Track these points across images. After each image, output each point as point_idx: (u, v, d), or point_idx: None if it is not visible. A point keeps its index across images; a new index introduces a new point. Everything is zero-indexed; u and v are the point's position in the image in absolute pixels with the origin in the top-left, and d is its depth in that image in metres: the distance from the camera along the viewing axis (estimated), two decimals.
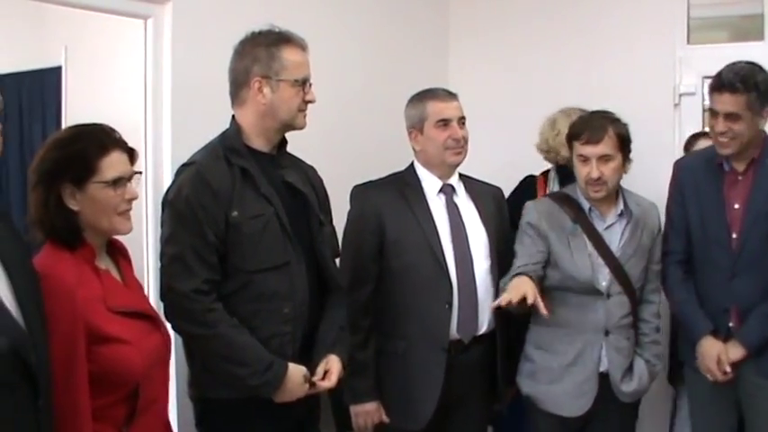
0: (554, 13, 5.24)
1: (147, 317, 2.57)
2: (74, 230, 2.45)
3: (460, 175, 3.65)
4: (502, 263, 3.54)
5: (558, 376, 3.46)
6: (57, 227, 2.42)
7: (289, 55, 2.90)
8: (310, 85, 2.96)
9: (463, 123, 3.54)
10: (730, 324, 3.45)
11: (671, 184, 3.66)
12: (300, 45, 2.95)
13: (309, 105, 2.99)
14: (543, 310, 3.08)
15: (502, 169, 4.50)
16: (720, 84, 3.34)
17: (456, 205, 3.57)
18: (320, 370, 2.95)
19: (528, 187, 4.41)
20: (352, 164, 3.97)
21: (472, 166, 3.69)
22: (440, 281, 3.42)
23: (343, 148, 4.15)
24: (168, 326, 2.76)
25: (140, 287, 2.73)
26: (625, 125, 3.51)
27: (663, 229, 3.65)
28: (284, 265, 2.86)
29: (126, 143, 2.56)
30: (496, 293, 3.45)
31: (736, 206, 3.46)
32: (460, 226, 3.53)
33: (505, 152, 4.79)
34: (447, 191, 3.57)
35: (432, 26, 5.31)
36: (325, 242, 3.06)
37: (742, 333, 3.40)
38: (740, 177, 3.47)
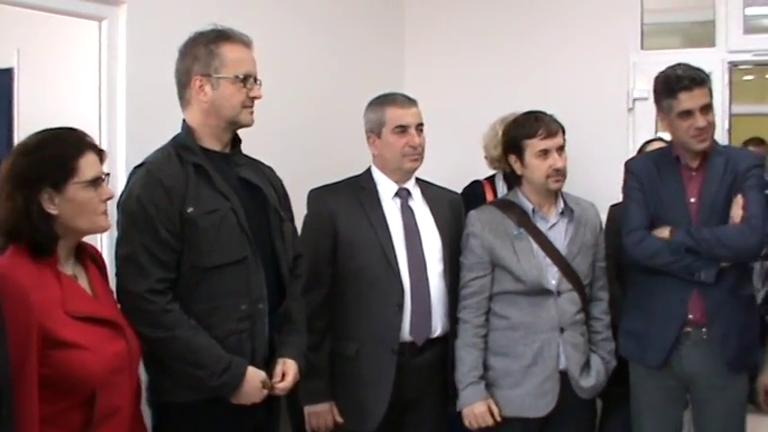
0: (509, 19, 5.28)
1: (111, 323, 2.54)
2: (53, 236, 2.43)
3: (417, 180, 3.67)
4: (456, 267, 3.56)
5: (519, 379, 3.49)
6: (37, 233, 2.39)
7: (228, 52, 2.88)
8: (255, 80, 2.94)
9: (421, 130, 3.56)
10: (690, 316, 3.50)
11: (626, 179, 3.70)
12: (242, 41, 2.94)
13: (268, 108, 2.98)
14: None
15: (458, 173, 4.53)
16: (691, 81, 3.44)
17: (411, 209, 3.59)
18: (278, 371, 2.94)
19: (474, 192, 4.43)
20: (309, 167, 3.96)
21: (428, 170, 3.70)
22: (391, 283, 3.44)
23: (300, 151, 4.14)
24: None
25: (109, 294, 2.69)
26: None
27: (622, 213, 3.70)
28: (241, 260, 2.85)
29: (96, 145, 2.55)
30: (450, 297, 3.54)
31: (692, 200, 3.54)
32: (415, 230, 3.55)
33: (461, 156, 4.81)
34: (403, 195, 3.59)
35: (387, 30, 5.33)
36: (285, 239, 3.05)
37: None
38: (693, 173, 3.56)
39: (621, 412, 3.90)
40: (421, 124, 3.56)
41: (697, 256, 3.45)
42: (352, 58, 4.78)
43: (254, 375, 2.84)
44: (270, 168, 3.19)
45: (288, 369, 2.96)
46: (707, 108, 3.46)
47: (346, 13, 4.80)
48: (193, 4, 3.63)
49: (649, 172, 3.63)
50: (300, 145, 4.15)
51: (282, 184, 3.21)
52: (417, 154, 3.54)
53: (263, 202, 3.01)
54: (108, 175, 2.58)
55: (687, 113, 3.44)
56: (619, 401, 3.94)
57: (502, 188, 4.50)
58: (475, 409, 3.48)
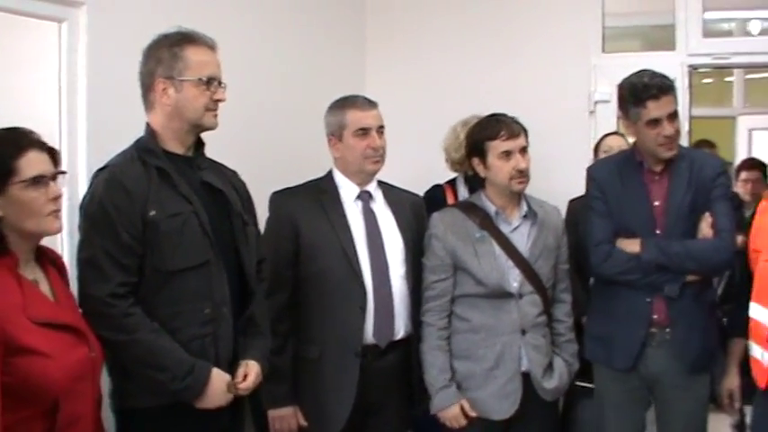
0: (471, 22, 5.30)
1: (74, 330, 2.50)
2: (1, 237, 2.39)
3: (379, 182, 3.67)
4: (418, 269, 3.57)
5: (482, 381, 3.50)
6: None
7: (192, 54, 2.86)
8: (219, 83, 2.92)
9: (382, 132, 3.56)
10: (654, 316, 3.53)
11: (588, 186, 3.72)
12: (206, 44, 2.91)
13: (229, 111, 2.97)
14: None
15: (420, 175, 4.54)
16: (658, 89, 3.44)
17: (373, 212, 3.59)
18: (239, 373, 2.93)
19: (435, 197, 4.45)
20: (270, 170, 3.95)
21: (390, 172, 3.70)
22: (353, 286, 3.43)
23: (262, 154, 4.12)
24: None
25: (71, 299, 2.65)
26: None
27: (587, 223, 3.70)
28: (203, 264, 2.83)
29: (44, 143, 2.50)
30: (412, 299, 3.54)
31: (657, 203, 3.56)
32: (377, 232, 3.55)
33: (423, 158, 4.82)
34: (364, 197, 3.59)
35: (349, 33, 5.33)
36: (249, 242, 3.03)
37: None
38: (657, 177, 3.58)
39: (584, 408, 3.92)
40: (382, 126, 3.56)
41: (665, 270, 3.48)
42: (314, 61, 4.77)
43: (219, 378, 2.82)
44: (233, 172, 3.18)
45: (250, 370, 2.95)
46: (674, 116, 3.48)
47: (307, 16, 4.79)
48: (154, 6, 3.60)
49: (612, 178, 3.65)
50: (262, 148, 4.14)
51: (246, 188, 3.20)
52: (379, 156, 3.54)
53: (226, 206, 2.99)
54: (61, 173, 2.54)
55: (655, 122, 3.46)
56: (581, 397, 3.97)
57: (463, 192, 4.52)
58: (449, 411, 3.49)
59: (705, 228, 3.49)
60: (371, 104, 3.58)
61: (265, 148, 4.19)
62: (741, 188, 6.39)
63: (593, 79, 5.13)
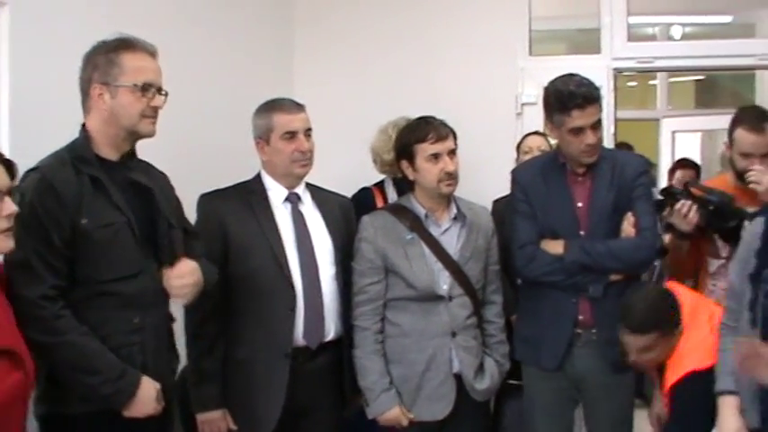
0: (399, 24, 5.31)
1: (10, 354, 2.44)
2: None
3: (307, 185, 3.66)
4: (348, 270, 3.58)
5: (415, 385, 3.51)
6: None
7: (128, 60, 2.83)
8: (158, 90, 2.89)
9: (309, 135, 3.55)
10: (580, 317, 3.58)
11: (513, 188, 3.76)
12: (145, 50, 2.88)
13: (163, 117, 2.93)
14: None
15: (348, 177, 4.53)
16: (583, 99, 3.47)
17: (301, 213, 3.58)
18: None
19: (363, 199, 4.44)
20: (199, 172, 3.91)
21: (318, 174, 3.69)
22: (282, 287, 3.42)
23: (191, 156, 4.08)
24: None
25: (9, 318, 2.58)
26: None
27: (509, 226, 3.74)
28: (135, 275, 2.80)
29: (1, 155, 2.46)
30: (342, 300, 3.53)
31: (580, 204, 3.61)
32: (306, 233, 3.54)
33: (352, 160, 4.82)
34: (293, 199, 3.57)
35: (277, 34, 5.29)
36: (174, 247, 2.99)
37: None
38: (580, 179, 3.63)
39: (514, 406, 3.96)
40: (309, 129, 3.55)
41: (589, 271, 3.54)
42: (241, 63, 4.73)
43: (149, 385, 2.79)
44: (163, 175, 3.15)
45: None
46: (598, 124, 3.52)
47: (235, 18, 4.75)
48: (78, 6, 3.54)
49: (535, 180, 3.69)
50: (190, 150, 4.09)
51: (174, 192, 3.17)
52: (306, 159, 3.53)
53: (156, 210, 2.96)
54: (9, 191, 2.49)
55: (579, 130, 3.49)
56: (512, 395, 4.01)
57: (392, 194, 4.53)
58: (391, 414, 3.49)
59: (627, 227, 3.55)
60: (299, 107, 3.56)
61: (193, 151, 4.14)
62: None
63: (520, 82, 5.18)
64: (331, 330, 3.52)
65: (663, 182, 7.73)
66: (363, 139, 4.69)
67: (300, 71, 5.37)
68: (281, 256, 3.45)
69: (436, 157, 3.49)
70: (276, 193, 3.57)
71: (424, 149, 3.51)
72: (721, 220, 3.69)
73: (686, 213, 3.69)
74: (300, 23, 5.43)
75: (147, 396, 2.78)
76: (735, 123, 3.83)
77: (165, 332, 2.96)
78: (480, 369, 3.59)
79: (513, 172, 3.83)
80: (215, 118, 4.32)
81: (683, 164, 6.75)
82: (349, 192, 4.26)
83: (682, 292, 3.45)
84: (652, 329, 3.23)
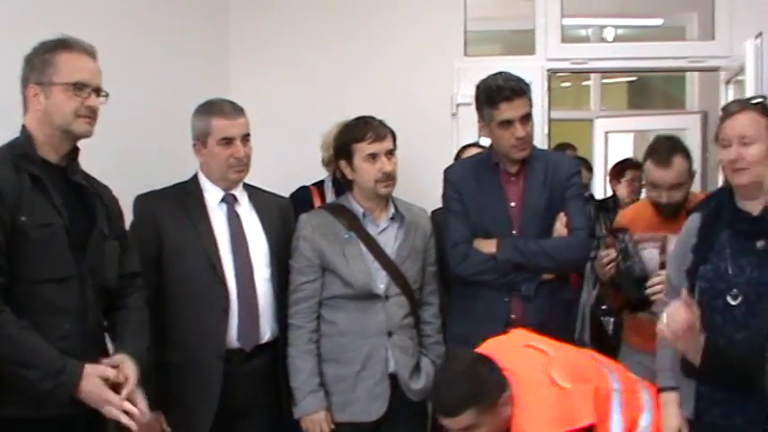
0: (336, 24, 5.30)
1: None
2: None
3: (246, 186, 3.64)
4: (285, 272, 3.57)
5: (350, 385, 3.51)
6: None
7: (64, 60, 2.79)
8: (97, 91, 2.85)
9: (247, 140, 3.53)
10: (512, 315, 3.60)
11: (445, 188, 3.77)
12: (83, 50, 2.84)
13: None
14: None
15: (285, 176, 4.52)
16: (511, 91, 3.52)
17: (237, 215, 3.56)
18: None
19: (301, 198, 4.43)
20: (134, 173, 3.85)
21: (254, 173, 3.67)
22: (215, 289, 3.40)
23: (126, 157, 4.02)
24: None
25: None
26: None
27: (445, 225, 3.74)
28: (66, 279, 2.75)
29: None
30: (278, 302, 3.52)
31: (513, 204, 3.64)
32: (241, 235, 3.52)
33: (288, 160, 4.80)
34: (229, 201, 3.55)
35: (212, 34, 5.23)
36: (106, 257, 2.93)
37: None
38: (513, 178, 3.66)
39: None
40: (247, 135, 3.53)
41: (521, 270, 3.57)
42: (176, 61, 4.66)
43: (92, 371, 2.72)
44: (106, 188, 3.08)
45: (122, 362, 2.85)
46: (526, 118, 3.56)
47: (170, 17, 4.69)
48: (12, 5, 3.46)
49: (467, 179, 3.71)
50: (124, 150, 4.03)
51: (117, 204, 3.11)
52: (242, 165, 3.51)
53: (92, 217, 2.91)
54: None
55: (507, 123, 3.53)
56: None
57: (330, 194, 4.52)
58: (315, 417, 3.48)
59: (560, 227, 3.59)
60: (237, 112, 3.53)
61: (128, 151, 4.09)
62: (626, 188, 6.44)
63: (455, 82, 5.20)
64: (267, 332, 3.50)
65: (598, 181, 7.85)
66: (300, 138, 4.67)
67: (236, 70, 5.32)
68: (215, 258, 3.43)
69: (374, 157, 3.50)
70: (212, 194, 3.54)
71: (362, 149, 3.51)
72: (629, 288, 3.66)
73: (605, 264, 3.74)
74: (236, 23, 5.38)
75: (93, 384, 2.70)
76: (646, 154, 3.85)
77: (95, 339, 2.89)
78: (416, 369, 3.60)
79: (446, 171, 3.85)
80: (149, 117, 4.26)
81: (634, 164, 6.75)
82: (286, 191, 4.24)
83: (512, 350, 3.09)
84: (466, 407, 2.82)
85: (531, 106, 3.59)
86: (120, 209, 3.13)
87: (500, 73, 3.62)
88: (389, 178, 3.52)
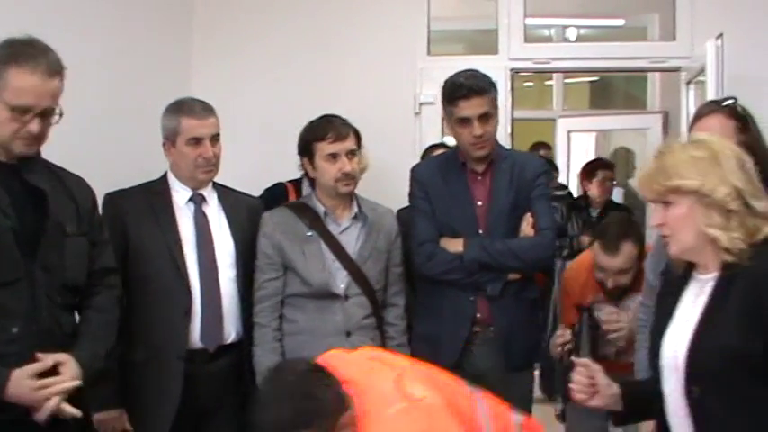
0: (300, 23, 5.28)
1: None
2: None
3: (216, 185, 3.63)
4: (251, 272, 3.55)
5: None
6: None
7: (13, 77, 2.66)
8: (45, 113, 2.72)
9: (216, 141, 3.51)
10: (478, 315, 3.60)
11: (412, 186, 3.76)
12: (34, 67, 2.68)
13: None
14: None
15: (250, 178, 4.49)
16: (469, 90, 3.52)
17: (205, 215, 3.54)
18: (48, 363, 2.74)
19: (276, 194, 4.41)
20: (101, 172, 3.80)
21: (225, 174, 3.65)
22: (178, 289, 3.39)
23: (92, 156, 3.97)
24: None
25: None
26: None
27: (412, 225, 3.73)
28: (14, 282, 2.68)
29: None
30: (244, 303, 3.50)
31: (480, 203, 3.64)
32: (207, 235, 3.50)
33: (252, 161, 4.78)
34: (197, 201, 3.53)
35: (175, 32, 5.18)
36: (65, 255, 2.85)
37: None
38: (479, 177, 3.66)
39: None
40: (216, 135, 3.51)
41: (487, 270, 3.56)
42: (139, 61, 4.62)
43: (20, 374, 2.63)
44: (78, 179, 3.01)
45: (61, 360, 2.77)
46: (485, 117, 3.54)
47: (133, 16, 4.64)
48: None
49: (434, 178, 3.71)
50: (89, 149, 3.99)
51: (89, 197, 3.04)
52: (211, 166, 3.50)
53: (45, 215, 2.82)
54: None
55: (465, 121, 3.53)
56: None
57: (308, 191, 4.47)
58: None
59: (526, 227, 3.59)
60: (207, 112, 3.51)
61: (90, 150, 4.04)
62: (597, 188, 6.45)
63: (419, 81, 5.21)
64: (231, 333, 3.48)
65: (561, 180, 7.88)
66: (264, 137, 4.65)
67: (199, 69, 5.27)
68: (179, 258, 3.41)
69: (334, 156, 3.49)
70: (180, 194, 3.53)
71: (323, 149, 3.50)
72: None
73: (558, 345, 3.70)
74: (200, 22, 5.33)
75: (20, 391, 2.62)
76: (596, 234, 3.85)
77: (53, 340, 2.79)
78: None
79: (413, 170, 3.84)
80: (111, 116, 4.22)
81: (605, 164, 6.78)
82: (251, 190, 4.22)
83: (356, 363, 2.63)
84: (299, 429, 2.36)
85: (493, 106, 3.58)
86: (93, 202, 3.06)
87: (467, 70, 3.62)
88: (349, 178, 3.51)
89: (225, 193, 3.65)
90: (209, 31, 5.31)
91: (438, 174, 3.71)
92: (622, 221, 3.97)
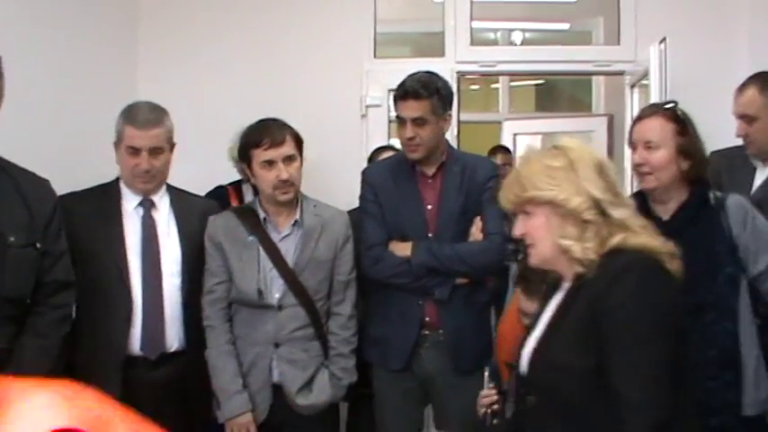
0: (246, 25, 5.26)
1: None
2: None
3: (170, 188, 3.56)
4: (200, 278, 3.50)
5: (234, 390, 3.44)
6: None
7: None
8: None
9: (157, 153, 3.41)
10: (426, 318, 3.60)
11: (362, 189, 3.74)
12: None
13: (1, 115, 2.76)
14: None
15: (196, 179, 4.43)
16: (405, 92, 3.53)
17: (153, 220, 3.48)
18: None
19: (217, 198, 4.34)
20: (52, 175, 3.73)
21: (172, 178, 3.59)
22: (119, 296, 3.33)
23: (42, 161, 3.89)
24: None
25: None
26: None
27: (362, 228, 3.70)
28: None
29: None
30: (189, 311, 3.44)
31: (429, 207, 3.63)
32: (153, 241, 3.44)
33: (198, 163, 4.72)
34: (146, 205, 3.47)
35: (120, 35, 5.12)
36: (8, 266, 2.79)
37: None
38: (430, 180, 3.65)
39: (366, 413, 3.95)
40: (157, 148, 3.41)
41: (435, 274, 3.55)
42: (82, 62, 4.55)
43: None
44: (37, 183, 2.97)
45: None
46: (419, 121, 3.52)
47: (77, 15, 4.57)
48: None
49: (385, 180, 3.69)
50: (33, 152, 3.91)
51: (51, 203, 2.99)
52: (148, 177, 3.42)
53: None
54: None
55: (401, 121, 3.54)
56: (364, 402, 4.00)
57: (251, 195, 4.43)
58: (241, 420, 3.41)
59: (476, 231, 3.58)
60: (150, 124, 3.40)
61: (39, 153, 3.96)
62: None
63: (365, 84, 5.20)
64: (174, 341, 3.42)
65: None
66: (209, 138, 4.60)
67: (144, 73, 5.21)
68: (123, 264, 3.35)
69: (270, 163, 3.42)
70: (129, 198, 3.47)
71: (258, 155, 3.43)
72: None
73: (482, 405, 3.57)
74: (145, 26, 5.27)
75: None
76: (516, 282, 3.69)
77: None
78: (309, 383, 3.50)
79: (364, 172, 3.83)
80: (54, 116, 4.14)
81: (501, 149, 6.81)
82: (192, 189, 4.17)
83: None
84: None
85: (431, 112, 3.53)
86: (54, 208, 3.01)
87: (423, 72, 3.62)
88: (287, 185, 3.44)
89: (179, 197, 3.58)
90: (155, 33, 5.27)
91: (389, 176, 3.69)
92: None
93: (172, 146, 3.51)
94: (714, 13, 5.12)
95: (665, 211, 2.94)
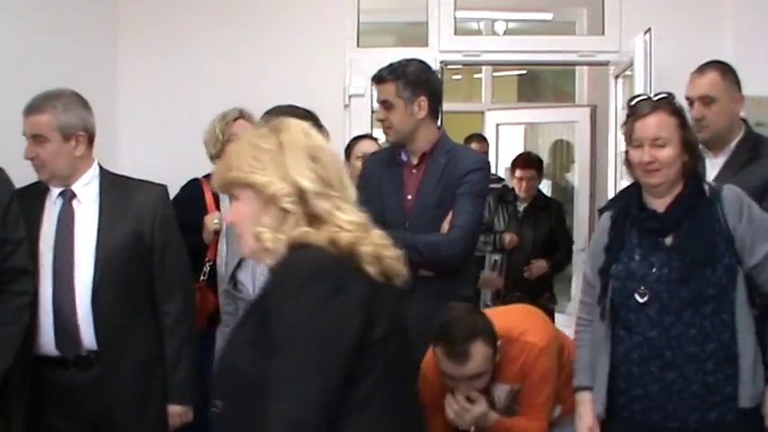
0: (228, 14, 5.26)
1: None
2: None
3: (109, 176, 3.35)
4: (143, 267, 3.28)
5: None
6: None
7: None
8: None
9: (38, 141, 3.17)
10: None
11: (358, 177, 3.73)
12: None
13: None
14: None
15: (175, 168, 4.40)
16: (378, 76, 3.55)
17: (71, 212, 3.23)
18: None
19: (192, 191, 4.28)
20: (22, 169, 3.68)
21: (154, 167, 3.53)
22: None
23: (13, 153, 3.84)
24: None
25: None
26: None
27: None
28: None
29: None
30: (111, 308, 3.20)
31: (409, 197, 3.59)
32: (68, 235, 3.20)
33: (182, 154, 4.68)
34: (66, 196, 3.24)
35: (100, 25, 5.09)
36: None
37: None
38: (414, 170, 3.61)
39: None
40: (37, 135, 3.16)
41: None
42: (63, 50, 4.51)
43: None
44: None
45: None
46: (386, 104, 3.52)
47: (58, 10, 4.52)
48: None
49: (380, 168, 3.69)
50: (5, 145, 3.87)
51: (7, 192, 2.94)
52: (36, 165, 3.19)
53: None
54: None
55: (379, 104, 3.59)
56: None
57: None
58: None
59: (446, 223, 3.53)
60: (33, 110, 3.19)
61: (11, 146, 3.92)
62: (516, 185, 6.41)
63: (348, 73, 5.18)
64: (92, 342, 3.17)
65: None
66: (190, 129, 4.55)
67: (125, 67, 5.18)
68: (34, 258, 3.13)
69: None
70: (53, 190, 3.25)
71: None
72: None
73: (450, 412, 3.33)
74: (126, 18, 5.25)
75: None
76: (435, 337, 3.20)
77: None
78: None
79: (365, 158, 3.89)
80: None
81: (524, 163, 6.62)
82: (176, 183, 4.13)
83: None
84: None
85: (395, 95, 3.50)
86: (11, 197, 2.98)
87: (404, 59, 3.60)
88: None
89: (119, 185, 3.34)
90: (135, 26, 5.24)
91: (384, 164, 3.68)
92: (466, 316, 3.18)
93: (68, 137, 3.19)
94: (699, 3, 5.12)
95: (661, 204, 2.92)
